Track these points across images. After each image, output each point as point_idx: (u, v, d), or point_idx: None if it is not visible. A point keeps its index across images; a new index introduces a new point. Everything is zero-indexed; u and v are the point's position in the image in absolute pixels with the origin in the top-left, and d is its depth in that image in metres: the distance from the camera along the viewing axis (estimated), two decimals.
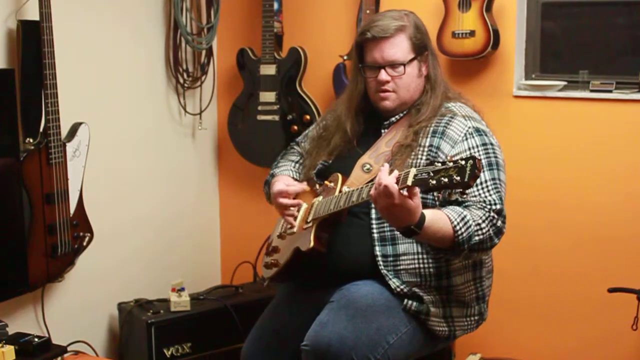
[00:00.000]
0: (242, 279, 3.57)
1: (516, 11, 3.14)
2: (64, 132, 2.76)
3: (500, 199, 2.24)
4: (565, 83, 3.14)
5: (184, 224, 3.64)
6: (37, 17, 2.60)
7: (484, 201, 2.21)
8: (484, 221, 2.16)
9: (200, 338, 3.12)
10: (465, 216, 2.13)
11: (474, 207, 2.19)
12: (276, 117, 3.47)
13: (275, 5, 3.43)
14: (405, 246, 2.29)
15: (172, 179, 3.55)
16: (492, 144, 2.33)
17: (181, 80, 3.50)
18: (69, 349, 2.86)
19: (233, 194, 3.81)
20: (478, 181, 2.23)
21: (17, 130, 2.61)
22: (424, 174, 1.90)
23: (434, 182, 1.88)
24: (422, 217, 2.02)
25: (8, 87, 2.55)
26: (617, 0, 3.17)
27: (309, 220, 2.35)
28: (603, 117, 3.04)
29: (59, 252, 2.74)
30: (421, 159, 2.29)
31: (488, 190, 2.24)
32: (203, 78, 3.60)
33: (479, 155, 2.28)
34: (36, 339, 2.57)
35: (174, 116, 3.54)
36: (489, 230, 2.17)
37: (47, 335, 2.79)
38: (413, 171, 1.92)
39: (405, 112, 2.41)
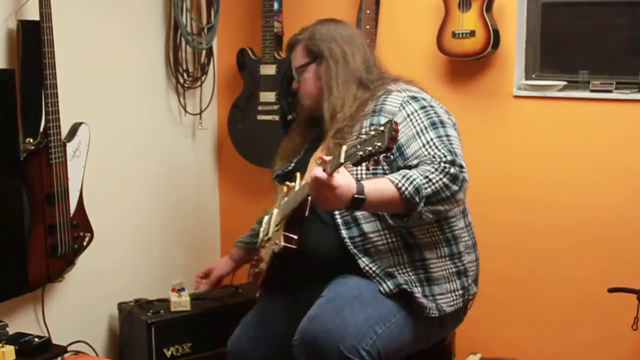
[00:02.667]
0: (242, 279, 3.57)
1: (516, 11, 3.14)
2: (64, 132, 2.76)
3: (450, 152, 2.25)
4: (565, 83, 3.14)
5: (184, 224, 3.64)
6: (37, 17, 2.60)
7: (433, 157, 2.23)
8: (432, 172, 2.17)
9: (200, 338, 3.12)
10: (407, 173, 2.16)
11: (423, 164, 2.22)
12: (276, 117, 3.47)
13: (275, 5, 3.43)
14: (369, 225, 2.32)
15: (172, 179, 3.55)
16: (431, 106, 2.37)
17: (181, 80, 3.50)
18: (69, 349, 2.86)
19: (233, 194, 3.81)
20: (424, 141, 2.27)
21: (17, 130, 2.61)
22: (352, 149, 1.96)
23: (361, 153, 1.94)
24: (360, 184, 2.10)
25: (8, 87, 2.55)
26: (617, 0, 3.17)
27: (277, 223, 2.42)
28: (603, 117, 3.04)
29: (59, 252, 2.74)
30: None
31: (436, 147, 2.25)
32: (203, 78, 3.60)
33: (420, 118, 2.31)
34: (36, 339, 2.57)
35: (174, 116, 3.54)
36: (441, 179, 2.17)
37: (47, 335, 2.79)
38: (344, 148, 1.98)
39: (332, 113, 2.47)
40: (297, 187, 2.38)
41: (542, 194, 3.16)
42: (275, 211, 2.51)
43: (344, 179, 2.06)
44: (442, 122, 2.32)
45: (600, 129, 3.04)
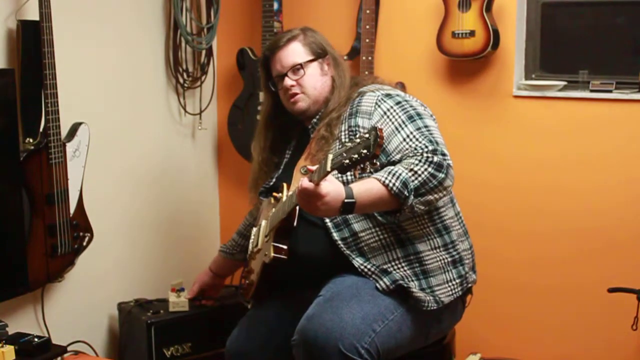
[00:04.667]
0: None
1: (516, 11, 3.14)
2: (64, 132, 2.76)
3: (431, 141, 2.26)
4: (565, 83, 3.14)
5: (184, 224, 3.64)
6: (37, 17, 2.60)
7: (415, 149, 2.24)
8: (417, 164, 2.19)
9: (200, 338, 3.12)
10: (392, 169, 2.17)
11: (406, 158, 2.24)
12: None
13: (275, 5, 3.43)
14: (360, 224, 2.33)
15: (172, 179, 3.55)
16: (406, 100, 2.39)
17: (181, 80, 3.50)
18: (69, 349, 2.86)
19: (233, 194, 3.81)
20: (404, 135, 2.29)
21: (17, 130, 2.61)
22: (339, 157, 1.98)
23: (347, 161, 1.96)
24: (348, 188, 2.11)
25: (8, 87, 2.55)
26: (617, 0, 3.17)
27: (266, 234, 2.43)
28: (603, 117, 3.04)
29: (59, 252, 2.74)
30: (344, 142, 2.36)
31: (417, 140, 2.27)
32: (203, 78, 3.60)
33: (397, 114, 2.34)
34: (36, 339, 2.57)
35: (174, 116, 3.54)
36: (426, 169, 2.18)
37: (47, 335, 2.79)
38: (330, 156, 1.99)
39: (323, 110, 2.49)
40: (284, 198, 2.39)
41: (541, 194, 3.16)
42: (264, 222, 2.52)
43: (332, 186, 2.07)
44: (418, 114, 2.34)
45: (600, 129, 3.04)
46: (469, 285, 2.47)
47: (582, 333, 3.13)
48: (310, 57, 2.50)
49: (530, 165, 3.17)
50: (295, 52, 2.50)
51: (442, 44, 3.15)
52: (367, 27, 3.23)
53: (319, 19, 3.50)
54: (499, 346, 3.25)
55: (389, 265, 2.32)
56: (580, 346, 3.14)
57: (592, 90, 3.06)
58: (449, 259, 2.39)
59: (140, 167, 3.37)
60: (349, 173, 2.26)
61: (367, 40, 3.23)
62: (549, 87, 3.13)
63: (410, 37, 3.34)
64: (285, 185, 2.47)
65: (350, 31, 3.40)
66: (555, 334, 3.19)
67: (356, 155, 1.94)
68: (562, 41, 3.30)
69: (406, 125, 2.31)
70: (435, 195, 2.23)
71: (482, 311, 2.94)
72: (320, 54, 2.52)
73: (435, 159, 2.20)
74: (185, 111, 3.56)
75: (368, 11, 3.21)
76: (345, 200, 2.09)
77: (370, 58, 3.24)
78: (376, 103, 2.38)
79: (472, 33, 3.07)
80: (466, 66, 3.22)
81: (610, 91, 3.02)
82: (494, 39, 3.06)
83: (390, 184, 2.14)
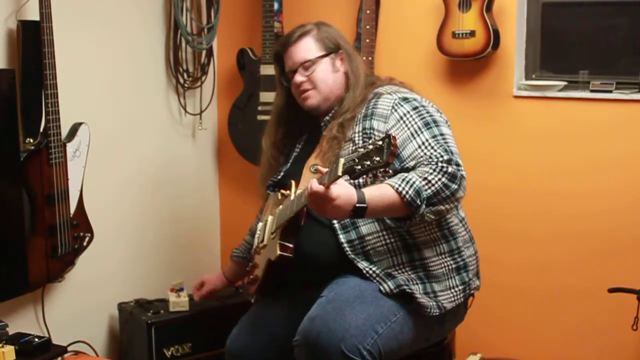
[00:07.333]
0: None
1: (516, 11, 3.14)
2: (64, 132, 2.76)
3: (446, 150, 2.25)
4: (565, 83, 3.14)
5: (184, 224, 3.64)
6: (37, 17, 2.60)
7: (430, 157, 2.23)
8: (431, 174, 2.18)
9: (200, 338, 3.13)
10: (406, 177, 2.16)
11: (420, 165, 2.23)
12: None
13: (275, 5, 3.43)
14: (367, 227, 2.32)
15: (172, 179, 3.55)
16: (423, 106, 2.37)
17: (181, 80, 3.50)
18: (69, 349, 2.86)
19: (233, 194, 3.81)
20: (420, 142, 2.27)
21: (17, 130, 2.61)
22: (350, 162, 1.97)
23: (359, 167, 1.95)
24: (360, 192, 2.10)
25: (8, 87, 2.55)
26: (617, 0, 3.17)
27: (273, 231, 2.42)
28: (603, 118, 3.04)
29: (59, 252, 2.74)
30: (358, 144, 2.35)
31: (432, 148, 2.26)
32: (203, 78, 3.60)
33: (413, 120, 2.32)
34: (36, 339, 2.57)
35: (174, 116, 3.54)
36: (440, 179, 2.17)
37: (47, 335, 2.79)
38: (342, 160, 1.98)
39: (337, 108, 2.48)
40: (292, 196, 2.38)
41: (541, 195, 3.16)
42: (270, 218, 2.51)
43: (343, 190, 2.06)
44: (435, 122, 2.33)
45: (601, 130, 3.04)
46: (472, 291, 2.47)
47: (582, 333, 3.13)
48: (322, 53, 2.48)
49: (530, 166, 3.17)
50: (306, 48, 2.48)
51: (442, 44, 3.15)
52: (368, 27, 3.23)
53: (319, 19, 3.45)
54: (499, 346, 3.25)
55: (394, 269, 2.32)
56: (581, 346, 3.14)
57: (592, 91, 3.06)
58: (454, 265, 2.38)
59: (141, 167, 3.37)
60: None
61: (368, 41, 3.24)
62: (549, 87, 3.13)
63: (410, 37, 3.34)
64: (293, 182, 2.45)
65: (351, 31, 3.40)
66: (556, 334, 3.19)
67: (368, 162, 1.93)
68: (562, 41, 3.30)
69: (422, 132, 2.29)
70: (447, 206, 2.22)
71: (482, 311, 2.93)
72: (332, 49, 2.49)
73: (450, 169, 2.19)
74: (186, 111, 3.56)
75: (368, 11, 3.21)
76: (357, 205, 2.07)
77: (370, 58, 3.24)
78: (393, 107, 2.36)
79: (472, 33, 3.07)
80: (466, 66, 3.22)
81: (610, 91, 3.02)
82: (494, 39, 3.06)
83: (404, 192, 2.13)
